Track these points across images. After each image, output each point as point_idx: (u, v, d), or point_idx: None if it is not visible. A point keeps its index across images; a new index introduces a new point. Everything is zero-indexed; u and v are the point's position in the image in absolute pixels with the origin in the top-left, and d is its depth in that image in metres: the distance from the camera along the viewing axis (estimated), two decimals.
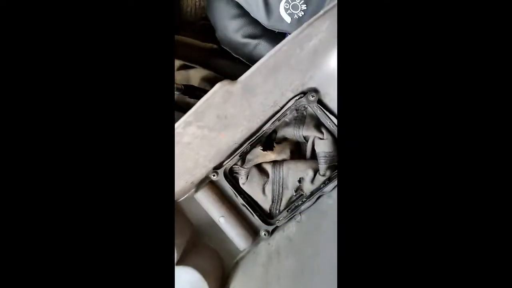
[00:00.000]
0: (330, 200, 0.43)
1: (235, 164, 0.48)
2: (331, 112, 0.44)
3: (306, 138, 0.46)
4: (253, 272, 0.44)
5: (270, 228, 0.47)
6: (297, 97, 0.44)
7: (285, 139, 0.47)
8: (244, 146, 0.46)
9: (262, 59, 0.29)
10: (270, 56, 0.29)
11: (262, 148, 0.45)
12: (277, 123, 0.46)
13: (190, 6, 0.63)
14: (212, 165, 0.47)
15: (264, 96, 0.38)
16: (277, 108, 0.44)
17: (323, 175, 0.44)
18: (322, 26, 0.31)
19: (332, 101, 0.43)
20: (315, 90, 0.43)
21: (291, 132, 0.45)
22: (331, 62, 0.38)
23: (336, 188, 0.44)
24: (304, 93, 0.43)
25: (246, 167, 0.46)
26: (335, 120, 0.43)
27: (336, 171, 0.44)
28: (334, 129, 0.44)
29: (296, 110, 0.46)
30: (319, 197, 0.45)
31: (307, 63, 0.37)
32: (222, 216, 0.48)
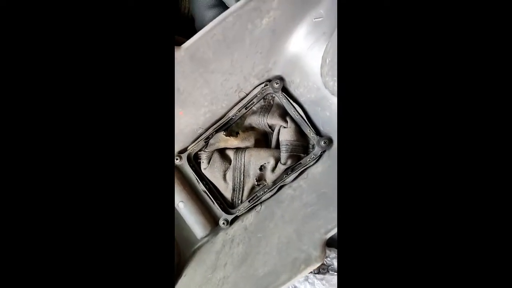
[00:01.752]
0: (290, 190, 0.42)
1: (200, 150, 0.48)
2: (295, 101, 0.44)
3: (272, 128, 0.45)
4: (206, 260, 0.42)
5: (230, 217, 0.46)
6: (262, 85, 0.44)
7: (252, 128, 0.47)
8: (209, 131, 0.46)
9: (205, 28, 0.29)
10: (214, 24, 0.29)
11: (225, 133, 0.45)
12: (244, 110, 0.46)
13: (186, 7, 0.65)
14: (176, 148, 0.47)
15: (223, 76, 0.38)
16: (243, 94, 0.44)
17: (284, 164, 0.43)
18: (272, 2, 0.31)
19: (297, 89, 0.43)
20: (280, 78, 0.43)
21: (257, 120, 0.45)
22: (291, 46, 0.38)
23: (296, 179, 0.43)
24: (269, 81, 0.44)
25: (207, 150, 0.46)
26: (300, 110, 0.43)
27: (299, 162, 0.43)
28: (298, 118, 0.44)
29: (264, 98, 0.46)
30: (280, 187, 0.44)
31: (267, 45, 0.37)
32: (181, 201, 0.47)
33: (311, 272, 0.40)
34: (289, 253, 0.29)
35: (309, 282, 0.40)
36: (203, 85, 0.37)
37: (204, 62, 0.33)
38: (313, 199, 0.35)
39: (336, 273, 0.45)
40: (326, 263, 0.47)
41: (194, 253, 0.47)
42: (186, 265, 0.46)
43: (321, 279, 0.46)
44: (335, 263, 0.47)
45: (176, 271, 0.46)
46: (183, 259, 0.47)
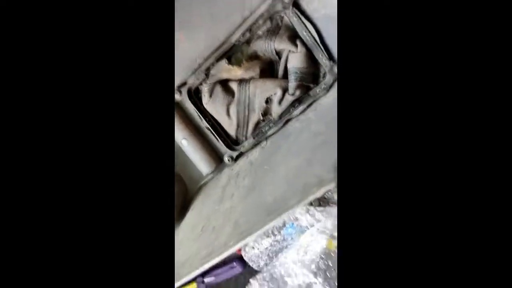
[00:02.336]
0: (297, 123, 0.39)
1: (201, 83, 0.44)
2: (308, 19, 0.37)
3: (279, 54, 0.40)
4: (212, 194, 0.42)
5: (234, 154, 0.44)
6: (270, 1, 0.37)
7: (256, 57, 0.42)
8: (209, 60, 0.41)
9: None
10: None
11: (228, 62, 0.40)
12: (247, 34, 0.40)
13: None
14: (177, 81, 0.43)
15: None
16: (247, 13, 0.38)
17: (292, 94, 0.39)
18: None
19: (310, 3, 0.36)
20: None
21: (262, 46, 0.39)
22: None
23: (304, 112, 0.40)
24: None
25: (208, 82, 0.42)
26: (312, 30, 0.37)
27: (308, 93, 0.39)
28: (310, 41, 0.38)
29: (270, 19, 0.39)
30: (287, 121, 0.41)
31: None
32: (185, 139, 0.45)
33: (311, 205, 0.40)
34: (299, 179, 0.27)
35: (309, 214, 0.41)
36: (198, 2, 0.31)
37: None
38: (321, 128, 0.33)
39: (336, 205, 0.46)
40: (327, 196, 0.47)
41: (200, 189, 0.47)
42: (193, 201, 0.47)
43: (322, 211, 0.46)
44: (335, 196, 0.47)
45: (183, 207, 0.47)
46: (189, 196, 0.48)
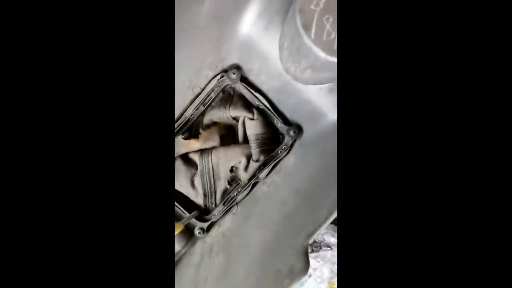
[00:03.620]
0: (264, 186, 0.39)
1: None
2: (258, 90, 0.40)
3: (236, 119, 0.41)
4: (185, 274, 0.39)
5: (205, 225, 0.42)
6: (218, 77, 0.39)
7: (214, 124, 0.42)
8: None
9: None
10: None
11: (183, 136, 0.40)
12: (202, 108, 0.41)
13: None
14: None
15: None
16: (198, 90, 0.39)
17: (257, 161, 0.40)
18: None
19: (257, 77, 0.38)
20: (237, 67, 0.38)
21: (218, 114, 0.40)
22: (243, 29, 0.34)
23: (269, 174, 0.40)
24: (225, 71, 0.39)
25: None
26: (264, 100, 0.39)
27: (271, 155, 0.40)
28: (264, 109, 0.40)
29: (223, 91, 0.41)
30: (254, 184, 0.41)
31: (215, 32, 0.32)
32: None
33: None
34: (270, 263, 0.26)
35: None
36: None
37: None
38: (288, 196, 0.33)
39: (329, 248, 0.45)
40: (317, 239, 0.47)
41: None
42: None
43: (315, 257, 0.45)
44: (326, 238, 0.47)
45: None
46: None
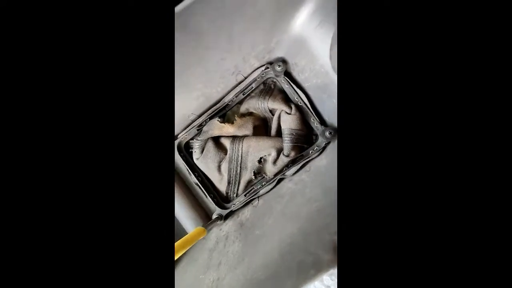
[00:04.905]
0: (290, 183, 0.39)
1: (192, 138, 0.43)
2: (299, 87, 0.40)
3: (272, 112, 0.41)
4: (198, 258, 0.39)
5: (224, 212, 0.42)
6: (263, 68, 0.39)
7: (249, 114, 0.43)
8: (202, 117, 0.42)
9: None
10: None
11: (219, 119, 0.41)
12: (241, 96, 0.42)
13: None
14: None
15: (219, 54, 0.33)
16: (241, 77, 0.40)
17: (287, 156, 0.39)
18: None
19: (301, 73, 0.39)
20: (283, 60, 0.39)
21: (255, 104, 0.41)
22: (297, 23, 0.34)
23: (298, 172, 0.39)
24: (270, 63, 0.39)
25: (200, 139, 0.42)
26: (304, 97, 0.39)
27: (301, 154, 0.40)
28: (302, 106, 0.40)
29: (264, 83, 0.42)
30: (279, 181, 0.41)
31: (270, 20, 0.32)
32: None
33: None
34: (293, 254, 0.25)
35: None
36: (197, 63, 0.32)
37: (198, 34, 0.28)
38: (318, 195, 0.32)
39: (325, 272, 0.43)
40: None
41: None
42: (176, 263, 0.42)
43: (330, 274, 0.43)
44: None
45: None
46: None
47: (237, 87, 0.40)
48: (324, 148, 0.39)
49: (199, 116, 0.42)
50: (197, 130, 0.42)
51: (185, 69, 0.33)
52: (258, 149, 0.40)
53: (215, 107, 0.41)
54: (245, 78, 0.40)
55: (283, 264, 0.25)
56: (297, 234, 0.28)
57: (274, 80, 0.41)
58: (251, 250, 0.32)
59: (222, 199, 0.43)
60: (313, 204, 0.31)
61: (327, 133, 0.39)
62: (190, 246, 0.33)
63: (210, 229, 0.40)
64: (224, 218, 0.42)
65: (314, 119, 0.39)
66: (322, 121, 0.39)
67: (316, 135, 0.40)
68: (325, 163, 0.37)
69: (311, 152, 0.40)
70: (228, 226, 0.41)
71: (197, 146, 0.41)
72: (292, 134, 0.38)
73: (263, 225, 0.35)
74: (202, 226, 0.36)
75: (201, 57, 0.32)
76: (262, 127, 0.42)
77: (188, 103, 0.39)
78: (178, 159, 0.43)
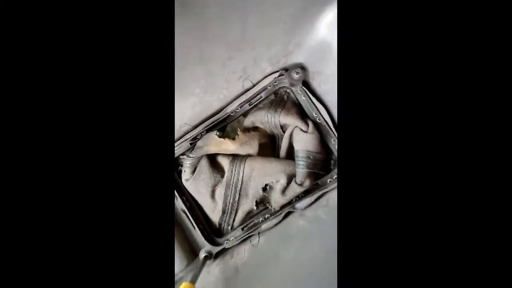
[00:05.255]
0: (302, 220, 0.31)
1: (183, 154, 0.35)
2: (319, 100, 0.32)
3: (283, 129, 0.34)
4: None
5: (215, 249, 0.34)
6: (276, 74, 0.32)
7: (255, 129, 0.35)
8: (197, 129, 0.34)
9: None
10: None
11: (218, 133, 0.33)
12: (247, 107, 0.34)
13: None
14: None
15: (227, 51, 0.26)
16: (249, 84, 0.33)
17: (300, 184, 0.31)
18: None
19: (323, 84, 0.32)
20: (302, 67, 0.32)
21: (263, 117, 0.33)
22: (323, 24, 0.27)
23: (311, 206, 0.31)
24: (286, 70, 0.32)
25: (192, 155, 0.33)
26: (324, 112, 0.32)
27: (316, 182, 0.32)
28: (322, 123, 0.32)
29: (275, 93, 0.34)
30: (288, 213, 0.32)
31: (292, 15, 0.26)
32: None
33: None
34: None
35: None
36: (197, 60, 0.25)
37: (204, 21, 0.21)
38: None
39: None
40: None
41: None
42: None
43: None
44: None
45: None
46: None
47: (242, 96, 0.33)
48: None
49: (194, 127, 0.34)
50: (190, 144, 0.34)
51: (181, 67, 0.25)
52: (263, 174, 0.32)
53: (214, 118, 0.33)
54: (254, 85, 0.32)
55: None
56: None
57: (288, 90, 0.34)
58: None
59: (213, 232, 0.35)
60: (334, 257, 0.23)
61: None
62: None
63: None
64: (215, 257, 0.34)
65: (336, 140, 0.32)
66: None
67: (335, 161, 0.33)
68: None
69: (329, 181, 0.32)
70: (219, 268, 0.32)
71: (188, 165, 0.33)
72: (309, 157, 0.31)
73: (266, 277, 0.26)
74: (190, 281, 0.27)
75: (203, 53, 0.24)
76: (269, 146, 0.35)
77: (181, 110, 0.31)
78: None
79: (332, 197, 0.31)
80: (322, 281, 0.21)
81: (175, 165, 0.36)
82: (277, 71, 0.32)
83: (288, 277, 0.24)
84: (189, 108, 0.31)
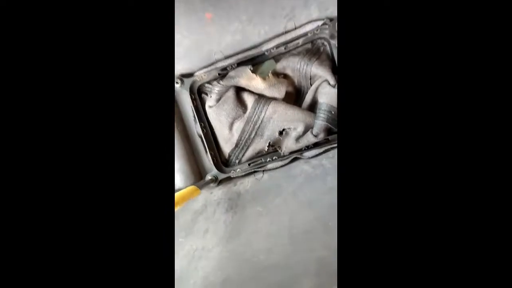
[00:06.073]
0: (306, 166, 0.33)
1: (210, 81, 0.36)
2: None
3: (312, 80, 0.35)
4: (178, 217, 0.33)
5: (221, 176, 0.36)
6: (320, 23, 0.32)
7: (284, 76, 0.36)
8: (229, 60, 0.34)
9: None
10: None
11: (251, 68, 0.33)
12: (282, 49, 0.34)
13: None
14: (181, 68, 0.35)
15: None
16: (291, 26, 0.32)
17: (315, 136, 0.33)
18: None
19: None
20: None
21: (296, 64, 0.34)
22: None
23: (317, 157, 0.34)
24: (331, 20, 0.32)
25: (223, 83, 0.34)
26: None
27: (327, 138, 0.34)
28: None
29: (312, 43, 0.35)
30: (294, 159, 0.35)
31: None
32: None
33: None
34: (311, 247, 0.20)
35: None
36: None
37: None
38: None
39: None
40: None
41: None
42: None
43: None
44: None
45: None
46: None
47: (282, 37, 0.33)
48: None
49: (227, 57, 0.34)
50: (219, 74, 0.35)
51: None
52: (284, 118, 0.34)
53: (248, 53, 0.33)
54: (296, 28, 0.32)
55: (296, 255, 0.20)
56: (316, 224, 0.23)
57: (326, 43, 0.34)
58: (251, 226, 0.26)
59: (222, 161, 0.37)
60: (332, 196, 0.26)
61: None
62: (180, 207, 0.27)
63: (202, 188, 0.34)
64: (219, 182, 0.37)
65: None
66: None
67: None
68: None
69: None
70: (221, 192, 0.35)
71: (216, 92, 0.34)
72: (330, 112, 0.32)
73: (268, 203, 0.29)
74: (195, 184, 0.30)
75: None
76: (293, 95, 0.36)
77: (221, 35, 0.31)
78: (186, 100, 0.36)
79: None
80: (325, 214, 0.24)
81: (200, 92, 0.37)
82: (322, 19, 0.32)
83: (287, 204, 0.28)
84: (230, 34, 0.31)
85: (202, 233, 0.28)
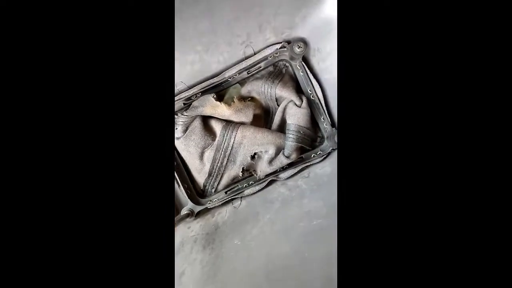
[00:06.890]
0: (283, 188, 0.33)
1: (176, 112, 0.35)
2: (316, 78, 0.33)
3: (278, 101, 0.35)
4: None
5: (197, 208, 0.35)
6: (278, 46, 0.33)
7: (251, 98, 0.36)
8: (194, 89, 0.34)
9: None
10: None
11: (215, 96, 0.33)
12: (245, 74, 0.34)
13: None
14: None
15: (234, 10, 0.26)
16: (250, 51, 0.33)
17: (287, 157, 0.33)
18: None
19: (322, 62, 0.32)
20: (304, 42, 0.32)
21: (260, 88, 0.34)
22: (330, 2, 0.28)
23: (293, 177, 0.33)
24: (288, 42, 0.33)
25: (187, 114, 0.34)
26: (319, 90, 0.33)
27: (301, 156, 0.34)
28: (315, 100, 0.34)
29: (274, 65, 0.35)
30: (270, 182, 0.34)
31: None
32: None
33: None
34: (287, 285, 0.19)
35: None
36: (203, 13, 0.25)
37: None
38: (319, 209, 0.26)
39: None
40: None
41: None
42: None
43: None
44: None
45: None
46: None
47: (242, 62, 0.33)
48: (329, 154, 0.34)
49: (190, 87, 0.34)
50: (184, 104, 0.35)
51: (186, 19, 0.25)
52: (254, 142, 0.33)
53: (211, 81, 0.33)
54: (255, 53, 0.32)
55: None
56: (292, 257, 0.22)
57: (287, 64, 0.34)
58: (227, 265, 0.25)
59: (197, 193, 0.36)
60: (313, 220, 0.25)
61: (336, 138, 0.33)
62: None
63: (177, 225, 0.32)
64: (196, 214, 0.35)
65: (325, 118, 0.33)
66: (333, 123, 0.34)
67: (322, 138, 0.35)
68: (329, 171, 0.32)
69: (313, 156, 0.34)
70: (199, 225, 0.34)
71: (181, 123, 0.33)
72: (299, 132, 0.32)
73: (245, 235, 0.28)
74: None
75: (211, 6, 0.24)
76: (262, 118, 0.36)
77: (180, 66, 0.31)
78: None
79: (313, 170, 0.33)
80: (301, 243, 0.23)
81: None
82: (280, 42, 0.32)
83: (264, 235, 0.26)
84: (189, 64, 0.30)
85: (178, 277, 0.26)
